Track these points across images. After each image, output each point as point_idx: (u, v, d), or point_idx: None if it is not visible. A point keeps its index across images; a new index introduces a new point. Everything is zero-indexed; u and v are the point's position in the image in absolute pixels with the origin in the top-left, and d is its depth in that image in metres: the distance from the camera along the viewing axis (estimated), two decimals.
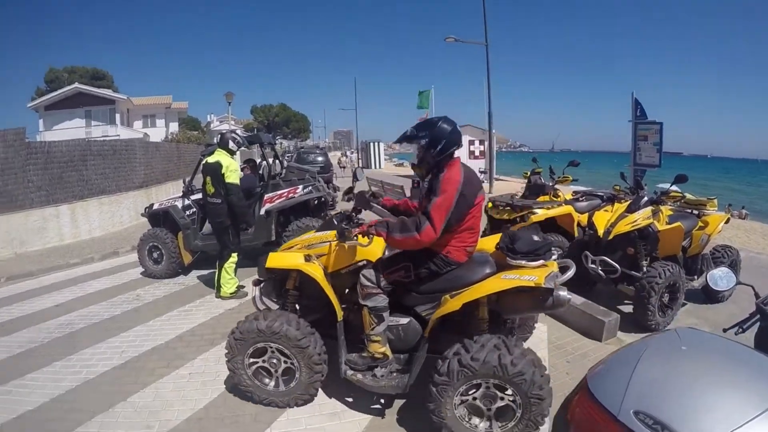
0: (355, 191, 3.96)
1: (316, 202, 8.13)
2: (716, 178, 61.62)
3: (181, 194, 7.88)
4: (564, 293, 2.86)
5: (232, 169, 6.06)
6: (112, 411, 3.78)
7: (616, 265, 5.11)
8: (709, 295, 5.90)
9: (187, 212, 7.61)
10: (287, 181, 7.89)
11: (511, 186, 20.65)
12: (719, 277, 3.01)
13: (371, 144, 44.04)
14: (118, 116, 38.92)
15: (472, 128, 28.08)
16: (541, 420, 2.85)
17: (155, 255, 7.58)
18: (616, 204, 5.76)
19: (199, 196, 7.43)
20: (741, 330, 2.56)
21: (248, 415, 3.64)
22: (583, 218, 6.68)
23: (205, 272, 7.69)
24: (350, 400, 3.74)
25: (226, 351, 3.60)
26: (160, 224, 7.86)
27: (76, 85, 38.22)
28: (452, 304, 2.97)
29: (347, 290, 3.70)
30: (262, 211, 7.44)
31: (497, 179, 21.61)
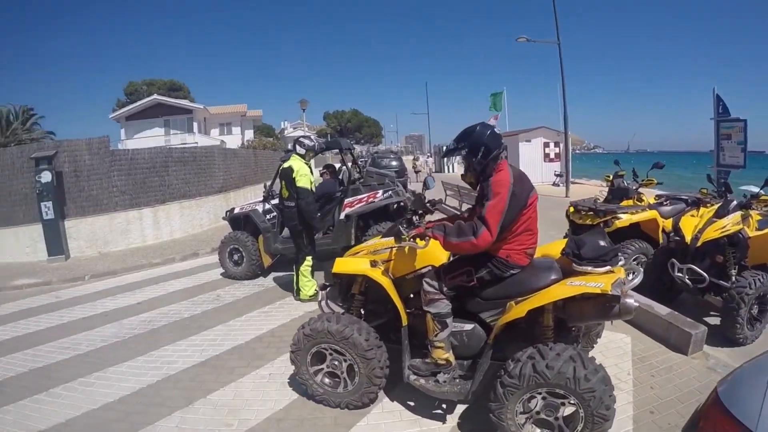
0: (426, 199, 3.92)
1: (395, 206, 8.07)
2: None
3: (261, 198, 8.17)
4: (631, 301, 2.81)
5: (302, 174, 6.19)
6: (192, 407, 3.85)
7: (705, 274, 4.95)
8: None
9: (268, 216, 7.86)
10: (367, 186, 7.92)
11: (588, 189, 19.92)
12: None
13: (444, 147, 43.85)
14: (195, 125, 41.15)
15: (546, 130, 27.50)
16: None
17: (236, 257, 7.86)
18: (701, 208, 5.63)
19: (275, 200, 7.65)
20: None
21: (328, 417, 3.62)
22: (668, 223, 6.44)
23: (284, 274, 7.84)
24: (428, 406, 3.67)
25: (293, 343, 3.74)
26: (241, 227, 8.17)
27: (155, 96, 41.03)
28: (517, 310, 2.97)
29: (411, 295, 3.69)
30: (342, 216, 7.53)
31: (573, 182, 20.83)
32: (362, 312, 3.85)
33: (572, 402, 2.77)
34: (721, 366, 4.15)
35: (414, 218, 3.62)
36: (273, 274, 7.96)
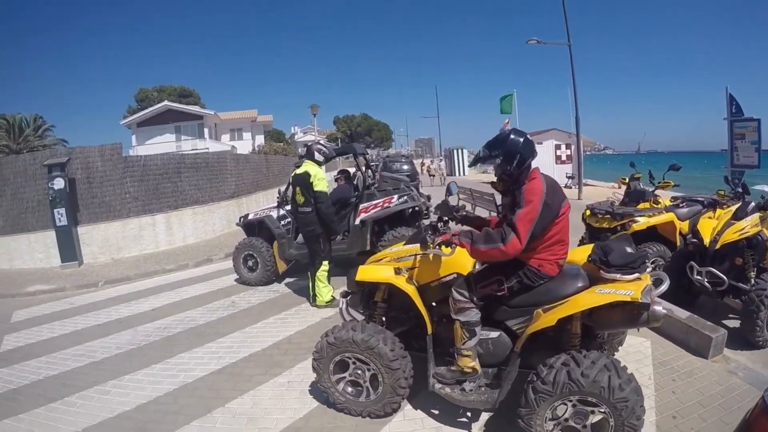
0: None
1: (410, 211, 8.06)
2: None
3: (275, 204, 8.18)
4: (659, 308, 2.80)
5: (320, 178, 6.21)
6: (210, 416, 3.82)
7: (724, 277, 4.94)
8: None
9: (282, 222, 7.88)
10: (382, 191, 7.94)
11: (600, 191, 19.83)
12: None
13: (455, 151, 44.00)
14: (206, 130, 41.49)
15: (557, 132, 27.74)
16: None
17: (250, 263, 7.85)
18: (718, 210, 5.60)
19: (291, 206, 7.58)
20: None
21: (348, 426, 3.58)
22: (684, 226, 6.46)
23: (298, 281, 7.83)
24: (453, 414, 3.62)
25: (315, 351, 3.70)
26: (255, 233, 8.19)
27: (166, 102, 41.62)
28: (547, 319, 2.96)
29: (435, 303, 3.64)
30: (357, 221, 7.54)
31: (585, 184, 20.74)
32: (384, 320, 3.82)
33: (602, 410, 2.76)
34: (742, 369, 4.14)
35: (439, 225, 3.58)
36: (288, 280, 7.94)
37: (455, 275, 3.39)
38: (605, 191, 17.27)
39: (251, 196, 16.65)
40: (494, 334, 3.31)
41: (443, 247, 3.26)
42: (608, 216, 6.74)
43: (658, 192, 7.65)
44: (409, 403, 3.75)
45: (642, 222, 6.46)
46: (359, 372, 3.57)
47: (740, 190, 6.25)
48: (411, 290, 3.45)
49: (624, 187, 8.18)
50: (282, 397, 4.05)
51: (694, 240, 5.46)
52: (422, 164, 37.89)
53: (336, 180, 8.80)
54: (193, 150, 32.49)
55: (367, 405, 3.60)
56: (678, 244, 6.40)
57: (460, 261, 3.39)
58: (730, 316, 5.41)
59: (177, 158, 13.23)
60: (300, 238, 7.48)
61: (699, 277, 5.12)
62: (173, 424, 3.71)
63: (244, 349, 5.13)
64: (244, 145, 43.80)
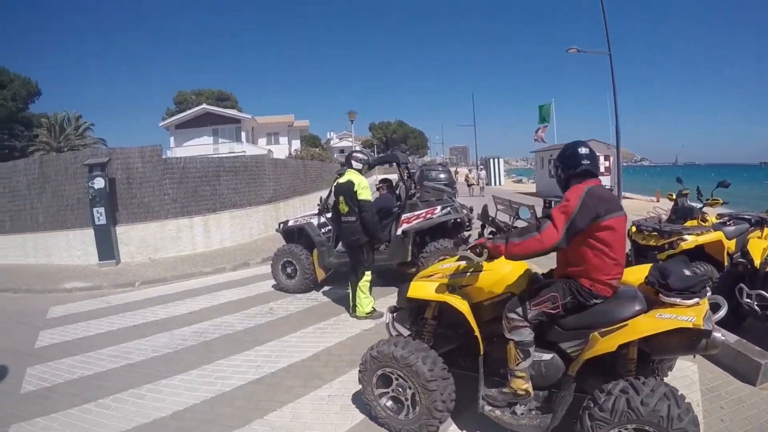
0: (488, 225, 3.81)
1: (452, 222, 7.89)
2: None
3: (316, 211, 8.12)
4: (719, 335, 2.73)
5: (363, 186, 6.15)
6: (248, 427, 3.70)
7: None
8: None
9: (323, 230, 7.83)
10: (424, 201, 7.84)
11: (638, 204, 19.39)
12: None
13: (491, 160, 43.70)
14: (243, 134, 42.15)
15: (595, 143, 27.26)
16: None
17: (289, 270, 7.80)
18: (765, 229, 5.64)
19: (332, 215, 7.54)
20: None
21: None
22: (731, 245, 6.22)
23: (336, 289, 7.73)
24: None
25: (361, 363, 3.68)
26: (295, 240, 8.16)
27: (204, 105, 42.45)
28: (607, 344, 2.88)
29: (486, 322, 3.54)
30: (399, 231, 7.42)
31: (624, 197, 20.26)
32: (431, 337, 3.72)
33: None
34: None
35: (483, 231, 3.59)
36: (325, 289, 7.85)
37: (509, 294, 3.33)
38: (644, 204, 16.86)
39: (288, 201, 16.70)
40: (547, 356, 3.21)
41: (474, 251, 3.19)
42: (655, 233, 6.55)
43: (705, 209, 7.39)
44: (455, 423, 3.61)
45: (690, 240, 6.24)
46: (401, 389, 3.50)
47: None
48: (466, 309, 3.36)
49: (660, 201, 7.91)
50: (322, 411, 3.91)
51: (743, 260, 5.32)
52: (455, 172, 37.43)
53: (378, 189, 8.71)
54: (230, 153, 32.91)
55: (405, 423, 3.50)
56: (725, 263, 6.17)
57: (516, 280, 3.35)
58: None
59: (216, 161, 13.36)
60: (340, 246, 7.45)
61: (749, 300, 4.95)
62: None
63: (283, 359, 5.00)
64: (281, 150, 44.35)
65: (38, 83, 40.37)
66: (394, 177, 9.84)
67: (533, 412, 3.20)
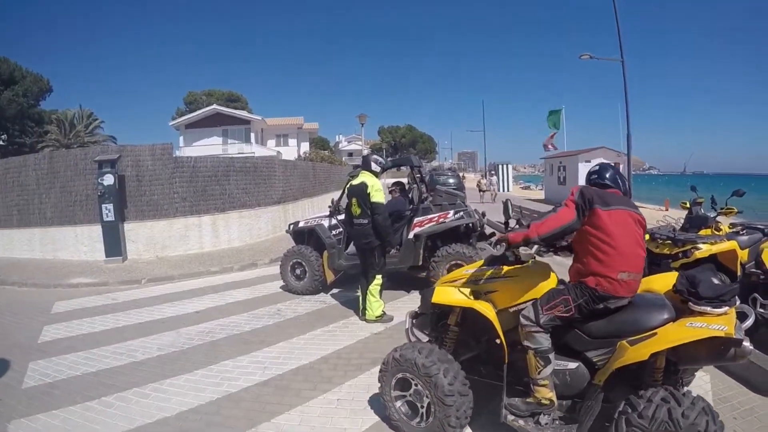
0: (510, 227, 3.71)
1: (464, 227, 7.80)
2: None
3: (327, 213, 8.06)
4: (749, 344, 2.68)
5: (377, 189, 6.07)
6: (255, 430, 3.60)
7: None
8: None
9: (333, 232, 7.77)
10: (437, 205, 7.79)
11: (648, 212, 19.13)
12: None
13: (500, 166, 43.53)
14: (252, 135, 42.23)
15: (605, 150, 27.53)
16: None
17: (298, 271, 7.71)
18: None
19: (342, 216, 7.54)
20: None
21: None
22: (744, 254, 6.10)
23: (345, 292, 7.64)
24: None
25: (383, 362, 3.61)
26: (305, 241, 8.08)
27: (215, 106, 42.66)
28: (638, 353, 2.81)
29: (508, 330, 3.46)
30: (411, 235, 7.36)
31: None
32: (453, 344, 3.64)
33: None
34: None
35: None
36: (334, 291, 7.75)
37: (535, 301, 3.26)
38: (653, 213, 16.70)
39: (297, 203, 16.67)
40: (572, 365, 3.13)
41: (493, 245, 3.27)
42: (669, 242, 6.42)
43: (719, 218, 7.29)
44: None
45: (705, 249, 6.10)
46: (418, 396, 3.42)
47: None
48: (492, 316, 3.27)
49: (669, 210, 7.81)
50: (331, 416, 3.80)
51: (757, 270, 5.39)
52: (463, 177, 37.07)
53: (390, 192, 8.62)
54: (239, 153, 33.02)
55: (417, 431, 3.41)
56: (738, 273, 6.06)
57: (541, 286, 3.29)
58: None
59: (226, 161, 13.36)
60: (351, 248, 7.37)
61: (762, 310, 4.98)
62: None
63: (291, 361, 4.89)
64: (290, 152, 44.36)
65: (50, 80, 40.70)
66: (405, 181, 9.77)
67: (557, 422, 3.13)
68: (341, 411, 3.88)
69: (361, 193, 6.05)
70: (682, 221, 7.65)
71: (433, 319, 3.80)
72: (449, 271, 6.98)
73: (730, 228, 6.91)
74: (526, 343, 3.08)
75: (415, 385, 3.41)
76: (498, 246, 3.19)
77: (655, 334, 2.79)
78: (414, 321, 3.91)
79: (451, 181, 20.12)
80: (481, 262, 3.70)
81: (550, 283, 3.33)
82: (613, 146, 27.98)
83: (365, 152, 7.04)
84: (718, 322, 2.67)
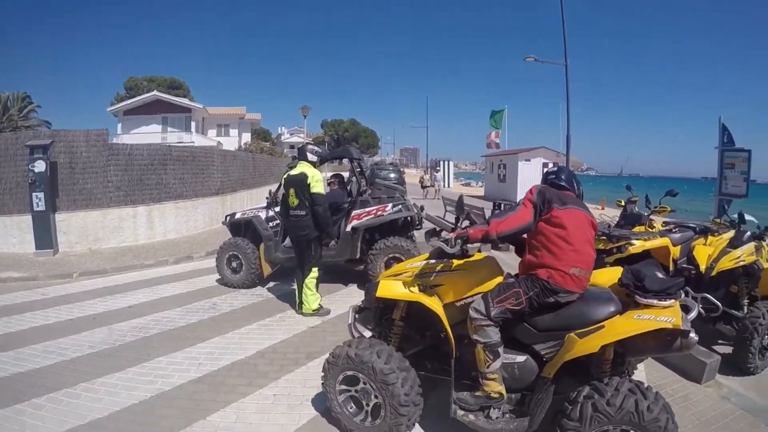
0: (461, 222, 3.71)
1: (401, 221, 7.91)
2: None
3: (264, 205, 7.95)
4: (694, 335, 2.78)
5: (317, 179, 6.04)
6: (190, 429, 3.57)
7: (718, 303, 5.01)
8: None
9: (270, 224, 7.67)
10: (375, 198, 7.83)
11: None
12: None
13: (442, 162, 44.03)
14: (193, 124, 40.93)
15: (546, 150, 28.52)
16: None
17: (234, 264, 7.61)
18: (710, 237, 5.84)
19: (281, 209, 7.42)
20: None
21: None
22: (675, 251, 6.40)
23: (282, 285, 7.62)
24: None
25: (331, 356, 3.54)
26: (241, 233, 7.97)
27: (155, 92, 41.04)
28: (588, 345, 2.85)
29: (455, 324, 3.48)
30: (348, 228, 7.37)
31: None
32: (398, 339, 3.64)
33: None
34: (734, 395, 4.30)
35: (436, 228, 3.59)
36: (271, 285, 7.71)
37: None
38: (593, 212, 17.28)
39: (236, 195, 16.37)
40: (521, 358, 3.17)
41: (449, 243, 3.16)
42: (604, 237, 6.58)
43: (653, 216, 7.65)
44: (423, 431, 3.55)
45: (638, 245, 6.30)
46: (366, 394, 3.40)
47: (736, 218, 6.28)
48: (439, 310, 3.27)
49: (604, 209, 8.18)
50: (268, 412, 3.82)
51: (688, 266, 5.58)
52: (403, 173, 37.23)
53: (329, 184, 8.60)
54: (179, 143, 32.01)
55: (362, 430, 3.42)
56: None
57: (488, 280, 3.33)
58: (720, 342, 5.52)
59: (164, 150, 12.89)
60: (287, 241, 7.33)
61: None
62: None
63: (226, 356, 4.86)
64: (231, 142, 43.29)
65: None
66: (345, 174, 9.80)
67: (507, 416, 3.16)
68: (278, 406, 3.91)
69: (300, 183, 6.00)
70: (617, 219, 8.02)
71: (377, 313, 3.77)
72: (387, 264, 7.09)
73: (663, 226, 7.23)
74: (475, 337, 3.08)
75: (365, 384, 3.37)
76: (456, 241, 3.14)
77: (603, 326, 2.86)
78: (357, 315, 3.84)
79: (392, 175, 20.37)
80: (425, 255, 3.69)
81: (498, 277, 3.37)
82: (553, 146, 28.94)
83: (309, 142, 7.00)
84: (665, 314, 2.76)
